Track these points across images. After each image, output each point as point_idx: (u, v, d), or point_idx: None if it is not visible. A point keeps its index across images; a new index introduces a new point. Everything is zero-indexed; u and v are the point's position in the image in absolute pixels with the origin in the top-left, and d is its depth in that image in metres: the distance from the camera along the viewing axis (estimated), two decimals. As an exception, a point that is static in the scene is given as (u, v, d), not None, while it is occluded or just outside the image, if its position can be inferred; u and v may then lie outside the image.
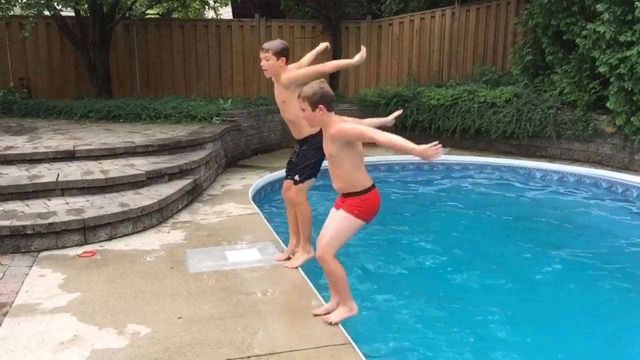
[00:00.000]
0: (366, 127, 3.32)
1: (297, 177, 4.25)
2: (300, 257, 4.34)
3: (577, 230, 6.28)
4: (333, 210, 3.54)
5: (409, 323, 4.08)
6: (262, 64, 4.24)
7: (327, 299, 3.67)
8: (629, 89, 7.77)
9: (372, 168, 8.53)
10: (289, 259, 4.45)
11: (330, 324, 3.38)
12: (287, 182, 4.44)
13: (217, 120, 8.78)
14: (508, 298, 4.55)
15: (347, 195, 3.41)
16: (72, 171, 5.82)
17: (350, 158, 3.34)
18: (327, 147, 3.40)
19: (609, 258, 5.32)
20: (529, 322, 4.15)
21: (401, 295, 4.49)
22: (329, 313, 3.49)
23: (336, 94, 11.27)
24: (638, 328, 4.10)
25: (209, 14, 14.47)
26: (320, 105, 3.30)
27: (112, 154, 6.43)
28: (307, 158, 4.24)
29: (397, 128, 10.37)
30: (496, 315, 4.19)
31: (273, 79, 4.33)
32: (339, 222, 3.39)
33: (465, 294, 4.61)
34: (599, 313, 4.32)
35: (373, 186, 3.42)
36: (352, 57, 4.17)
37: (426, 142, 2.99)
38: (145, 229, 5.17)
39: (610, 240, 5.89)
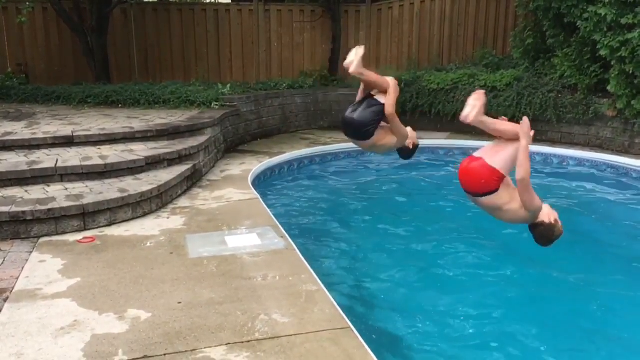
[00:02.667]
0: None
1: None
2: None
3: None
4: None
5: (411, 308, 4.10)
6: None
7: (327, 285, 3.70)
8: (630, 72, 7.73)
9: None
10: None
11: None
12: None
13: (216, 105, 8.74)
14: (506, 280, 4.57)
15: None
16: (70, 157, 5.80)
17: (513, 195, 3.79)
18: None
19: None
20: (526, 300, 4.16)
21: (402, 280, 4.51)
22: None
23: (335, 79, 11.36)
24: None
25: (207, -2, 14.32)
26: None
27: (111, 139, 6.40)
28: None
29: (397, 113, 10.33)
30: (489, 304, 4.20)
31: None
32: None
33: (468, 270, 4.68)
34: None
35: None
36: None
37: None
38: (144, 215, 5.17)
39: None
